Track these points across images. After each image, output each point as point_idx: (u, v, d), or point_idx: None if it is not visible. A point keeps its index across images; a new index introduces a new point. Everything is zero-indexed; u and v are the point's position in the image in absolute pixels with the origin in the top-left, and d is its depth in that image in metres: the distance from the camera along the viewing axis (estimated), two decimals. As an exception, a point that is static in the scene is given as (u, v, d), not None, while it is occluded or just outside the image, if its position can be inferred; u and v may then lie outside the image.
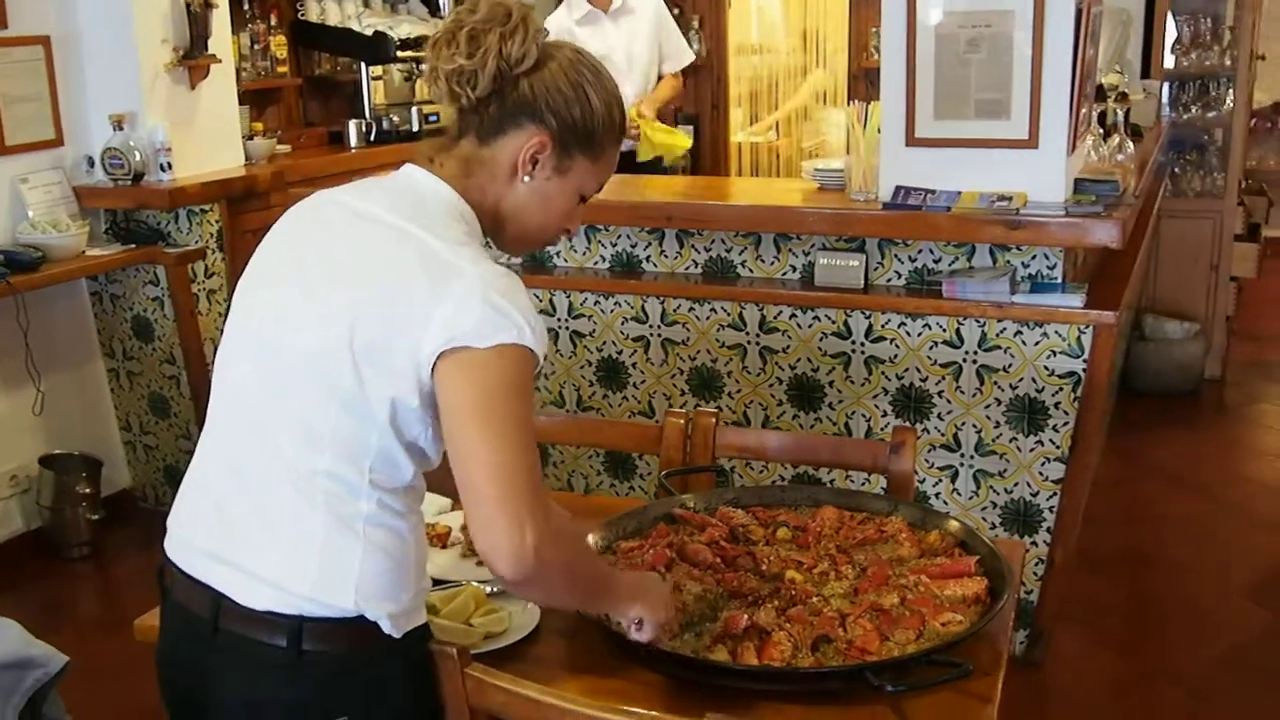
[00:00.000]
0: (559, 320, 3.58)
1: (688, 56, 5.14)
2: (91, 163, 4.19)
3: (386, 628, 1.49)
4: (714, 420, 2.33)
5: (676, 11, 6.95)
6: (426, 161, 1.59)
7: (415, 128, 5.78)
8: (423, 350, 1.42)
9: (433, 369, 1.43)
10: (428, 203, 1.54)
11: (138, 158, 4.10)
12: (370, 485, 1.48)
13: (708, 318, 3.40)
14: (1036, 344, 3.04)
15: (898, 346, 3.20)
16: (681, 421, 2.33)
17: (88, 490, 4.09)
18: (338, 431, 1.47)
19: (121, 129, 4.09)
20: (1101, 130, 3.73)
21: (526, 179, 1.58)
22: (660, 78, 5.07)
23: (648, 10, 4.98)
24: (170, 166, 4.16)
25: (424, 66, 1.61)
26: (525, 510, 1.40)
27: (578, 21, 4.85)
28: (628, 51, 4.90)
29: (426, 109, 5.81)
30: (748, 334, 3.37)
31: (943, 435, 3.21)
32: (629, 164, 4.42)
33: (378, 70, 5.89)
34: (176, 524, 1.62)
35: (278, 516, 1.50)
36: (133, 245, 4.16)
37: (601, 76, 1.60)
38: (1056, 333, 3.02)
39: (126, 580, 4.03)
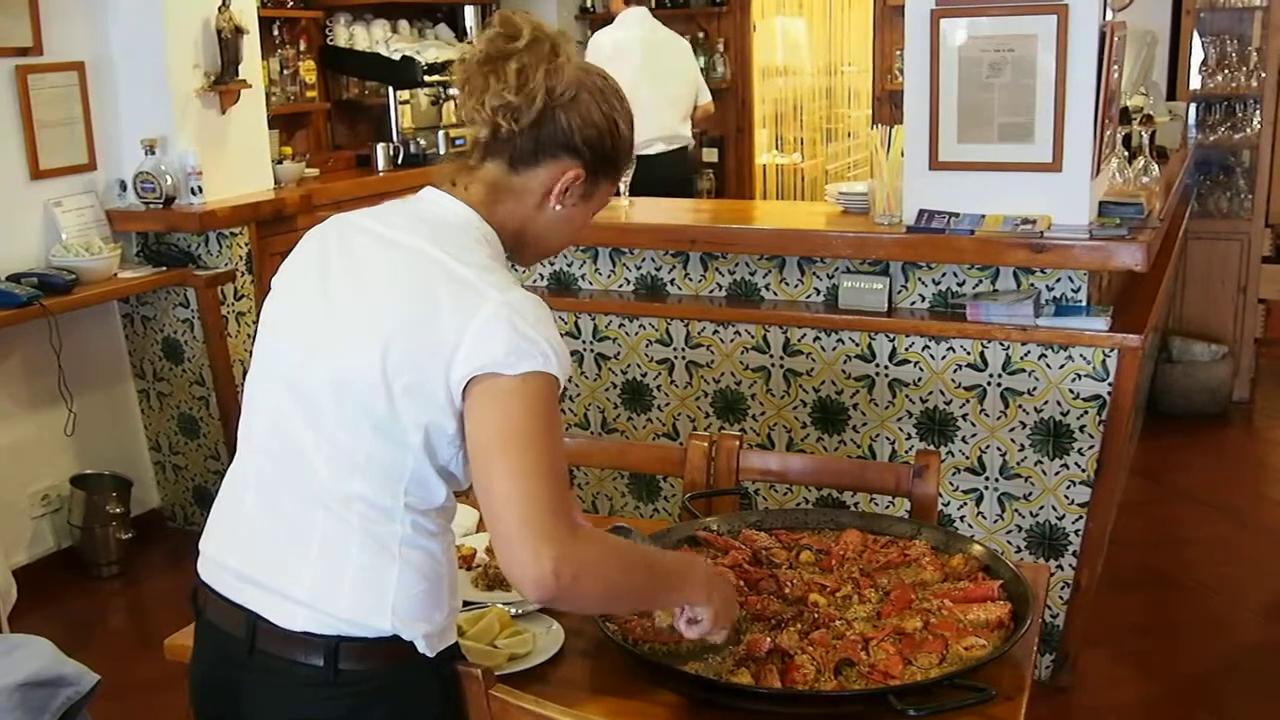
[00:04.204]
0: (584, 343, 3.60)
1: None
2: (123, 186, 4.25)
3: (422, 647, 1.50)
4: (738, 443, 2.34)
5: (702, 34, 7.07)
6: (449, 184, 1.59)
7: (442, 151, 5.84)
8: (453, 375, 1.44)
9: (463, 394, 1.45)
10: (451, 226, 1.55)
11: (169, 181, 4.15)
12: (405, 508, 1.50)
13: (732, 340, 3.42)
14: (1061, 367, 3.04)
15: (922, 369, 3.20)
16: (705, 444, 2.33)
17: (118, 510, 4.13)
18: (372, 457, 1.48)
19: (153, 153, 4.15)
20: (1126, 152, 3.73)
21: (558, 207, 1.60)
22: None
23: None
24: (201, 190, 4.21)
25: (459, 90, 1.60)
26: (543, 540, 1.40)
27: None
28: None
29: (453, 133, 5.87)
30: (771, 357, 3.38)
31: (967, 458, 3.21)
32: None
33: (405, 94, 5.96)
34: (208, 546, 1.63)
35: (312, 539, 1.51)
36: (163, 268, 4.21)
37: (624, 101, 1.62)
38: (1081, 356, 3.02)
39: (155, 599, 4.07)
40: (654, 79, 5.40)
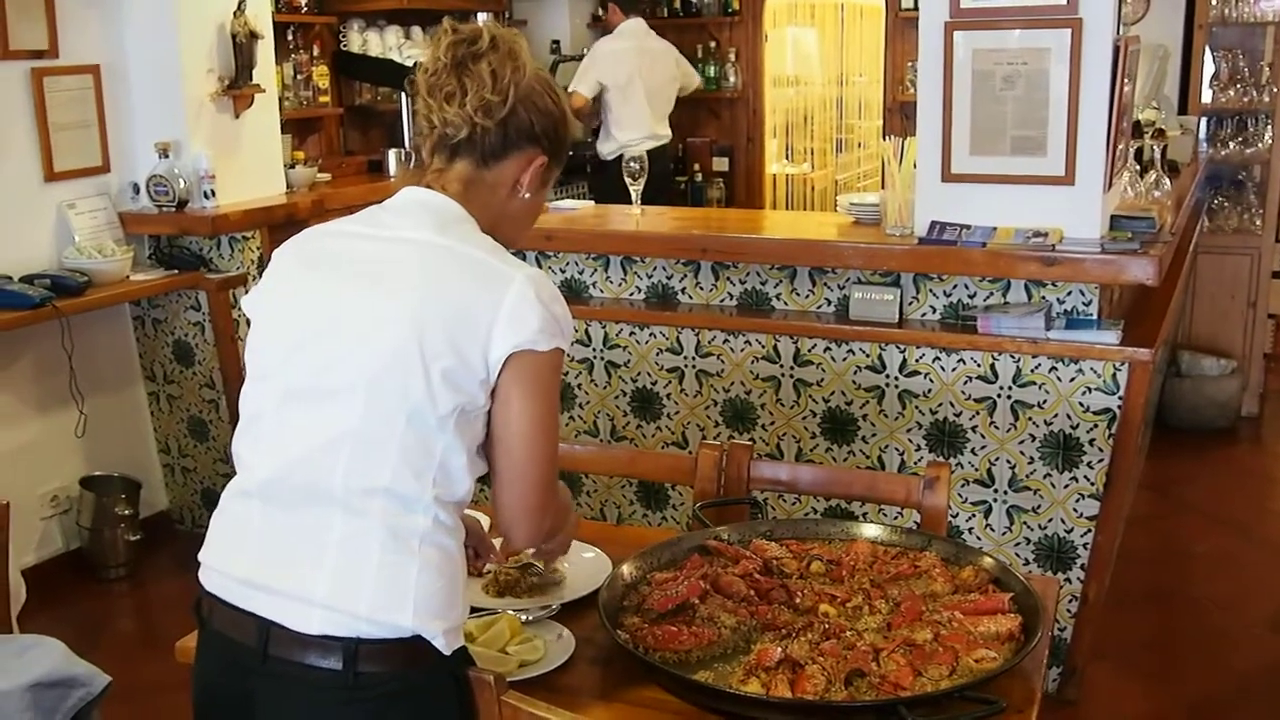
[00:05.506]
0: (595, 350, 3.61)
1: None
2: (137, 189, 4.26)
3: (440, 644, 1.52)
4: (748, 452, 2.34)
5: (713, 43, 7.11)
6: (425, 187, 1.66)
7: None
8: (492, 354, 1.52)
9: (500, 369, 1.53)
10: (449, 216, 1.62)
11: (182, 185, 4.17)
12: (433, 499, 1.53)
13: (742, 350, 3.42)
14: (1071, 380, 3.04)
15: (932, 381, 3.20)
16: (715, 453, 2.34)
17: (127, 512, 4.14)
18: (404, 445, 1.51)
19: (167, 156, 4.16)
20: (1138, 166, 3.73)
21: (526, 195, 1.69)
22: None
23: None
24: (213, 194, 4.22)
25: (426, 98, 1.65)
26: (545, 512, 1.62)
27: None
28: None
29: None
30: (782, 366, 3.38)
31: (976, 470, 3.21)
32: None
33: (417, 100, 5.97)
34: (210, 557, 1.63)
35: (329, 541, 1.52)
36: (175, 271, 4.22)
37: (561, 92, 1.73)
38: (1092, 369, 3.02)
39: (163, 601, 4.07)
40: (646, 86, 6.18)
